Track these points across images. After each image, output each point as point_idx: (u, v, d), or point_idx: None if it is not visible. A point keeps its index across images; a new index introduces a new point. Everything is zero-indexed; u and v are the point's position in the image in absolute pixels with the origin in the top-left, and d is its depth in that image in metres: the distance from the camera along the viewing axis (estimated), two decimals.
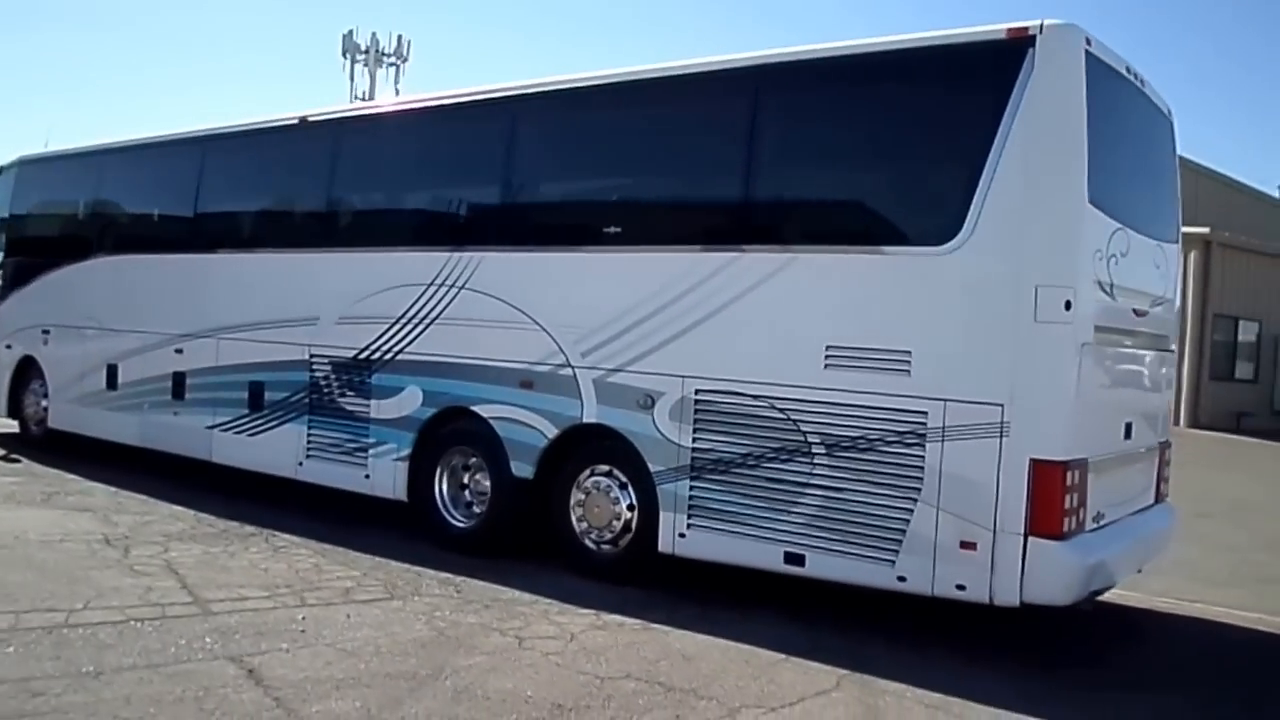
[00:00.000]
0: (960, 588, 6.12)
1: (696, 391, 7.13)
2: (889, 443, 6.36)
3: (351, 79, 40.57)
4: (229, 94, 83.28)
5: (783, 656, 6.07)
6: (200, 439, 10.57)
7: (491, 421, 8.23)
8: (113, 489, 10.37)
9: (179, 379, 10.86)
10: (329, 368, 9.42)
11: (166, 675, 5.23)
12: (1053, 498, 5.89)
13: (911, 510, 6.26)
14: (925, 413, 6.21)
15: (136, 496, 10.04)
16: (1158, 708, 5.74)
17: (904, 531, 6.28)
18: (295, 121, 9.95)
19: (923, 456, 6.23)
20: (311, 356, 9.54)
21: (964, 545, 6.08)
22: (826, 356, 6.59)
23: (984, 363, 6.06)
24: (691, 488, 7.15)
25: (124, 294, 11.61)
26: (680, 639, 6.35)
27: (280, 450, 9.78)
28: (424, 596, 7.05)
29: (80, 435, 12.17)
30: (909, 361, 6.29)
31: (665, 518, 7.26)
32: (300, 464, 9.62)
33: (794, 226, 7.05)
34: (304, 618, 6.37)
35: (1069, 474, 5.93)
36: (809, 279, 6.71)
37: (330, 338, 9.38)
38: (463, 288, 8.40)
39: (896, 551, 6.31)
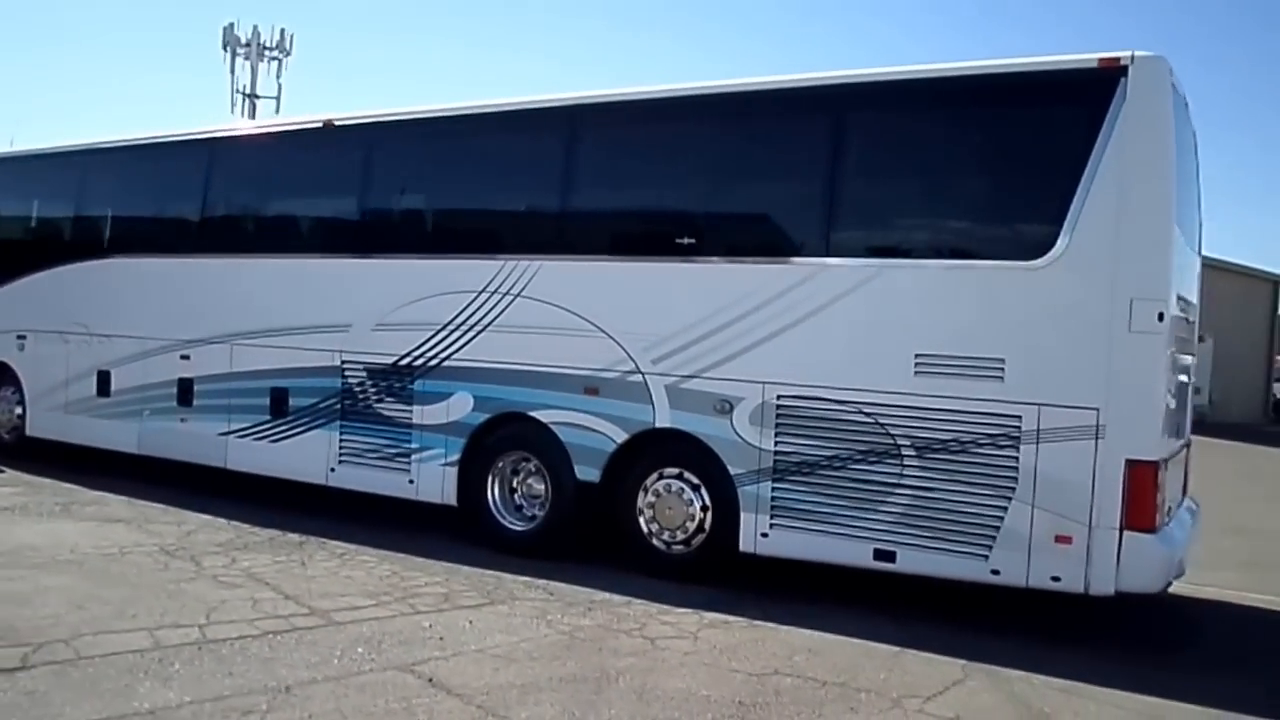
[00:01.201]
0: (1055, 579, 6.32)
1: (778, 397, 7.15)
2: (981, 445, 6.52)
3: (232, 73, 38.62)
4: (101, 88, 78.70)
5: (896, 649, 6.16)
6: (213, 446, 10.02)
7: (553, 427, 8.07)
8: (122, 498, 9.76)
9: (185, 385, 10.26)
10: (364, 374, 9.07)
11: (355, 688, 5.01)
12: (1147, 494, 6.16)
13: (1006, 507, 6.43)
14: (1019, 416, 6.40)
15: (154, 505, 9.46)
16: (1271, 688, 6.00)
17: (998, 527, 6.45)
18: (320, 125, 9.54)
19: (1016, 457, 6.41)
20: (344, 363, 9.16)
21: (1059, 539, 6.29)
22: (916, 363, 6.71)
23: (1079, 369, 6.28)
24: (774, 489, 7.17)
25: (117, 298, 10.89)
26: (791, 635, 6.37)
27: (308, 457, 9.36)
28: (521, 600, 6.87)
29: (60, 443, 11.39)
30: (1003, 368, 6.46)
31: (746, 518, 7.27)
32: (332, 470, 9.23)
33: (884, 239, 7.15)
34: (430, 625, 6.15)
35: (1159, 472, 6.20)
36: (898, 290, 6.82)
37: (365, 344, 9.02)
38: (519, 295, 8.20)
39: (990, 546, 6.48)
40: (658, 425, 7.64)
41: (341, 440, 9.19)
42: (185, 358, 10.27)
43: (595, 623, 6.40)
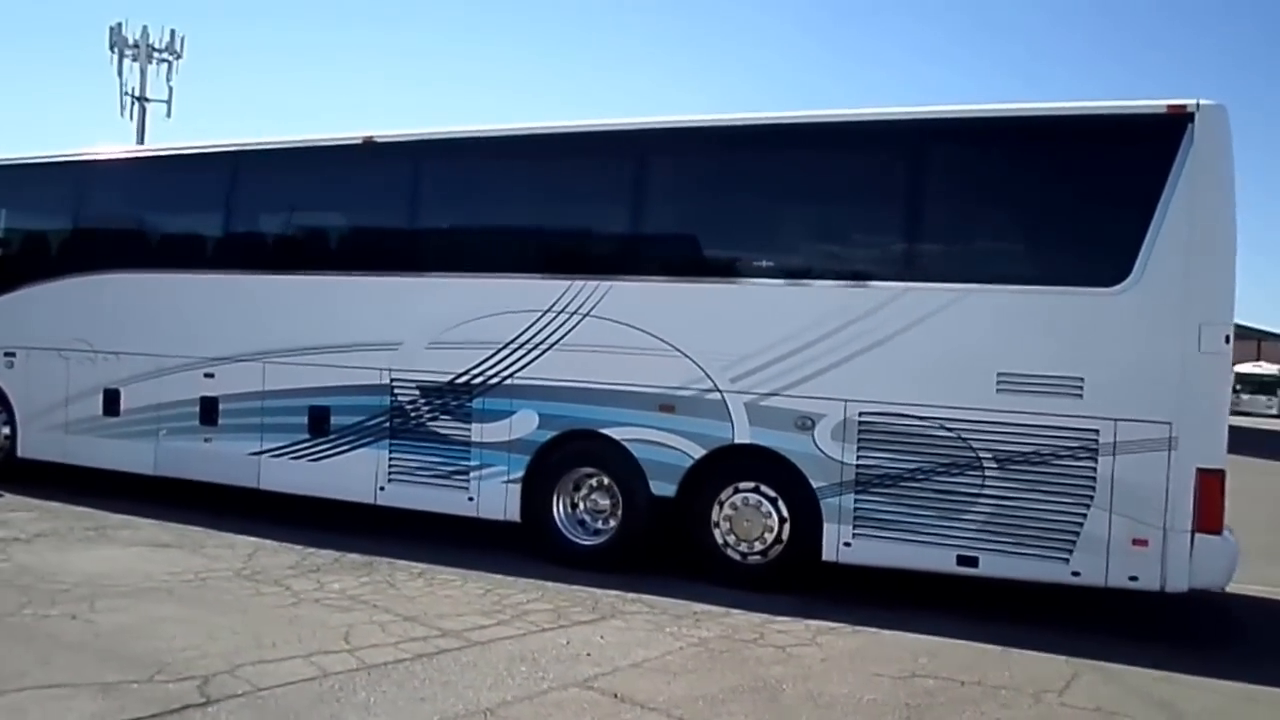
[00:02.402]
0: (1133, 579, 6.75)
1: (861, 414, 7.40)
2: (1061, 456, 6.91)
3: (120, 75, 36.61)
4: None
5: (999, 648, 6.45)
6: (243, 466, 9.67)
7: (626, 444, 8.12)
8: (148, 520, 9.34)
9: (209, 404, 9.87)
10: (416, 391, 8.93)
11: (552, 706, 5.04)
12: (1215, 500, 6.65)
13: (1085, 514, 6.84)
14: (1097, 430, 6.81)
15: (187, 527, 9.09)
16: None
17: (1078, 532, 6.85)
18: (360, 142, 9.32)
19: (1095, 468, 6.82)
20: (393, 380, 8.99)
21: (1136, 542, 6.72)
22: (999, 381, 7.05)
23: (1153, 387, 6.72)
24: (857, 500, 7.41)
25: (127, 314, 10.37)
26: (897, 638, 6.60)
27: (354, 475, 9.15)
28: (628, 615, 6.91)
29: (47, 465, 10.78)
30: (1082, 386, 6.87)
31: (829, 529, 7.49)
32: (381, 489, 9.05)
33: (969, 266, 7.45)
34: (568, 642, 6.15)
35: (1224, 480, 6.70)
36: (981, 313, 7.15)
37: (418, 362, 8.89)
38: (587, 315, 8.23)
39: (1070, 550, 6.87)
40: (737, 441, 7.79)
41: (391, 458, 9.01)
42: (209, 376, 9.88)
43: (714, 634, 6.50)
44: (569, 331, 8.30)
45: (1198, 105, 6.73)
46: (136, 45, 36.94)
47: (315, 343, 9.37)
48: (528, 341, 8.45)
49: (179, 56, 37.16)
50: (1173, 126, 6.74)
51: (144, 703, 4.81)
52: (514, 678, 5.42)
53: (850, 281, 7.57)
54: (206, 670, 5.28)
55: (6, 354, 11.08)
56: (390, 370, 9.01)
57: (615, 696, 5.20)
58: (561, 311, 8.31)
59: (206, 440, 9.91)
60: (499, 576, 7.78)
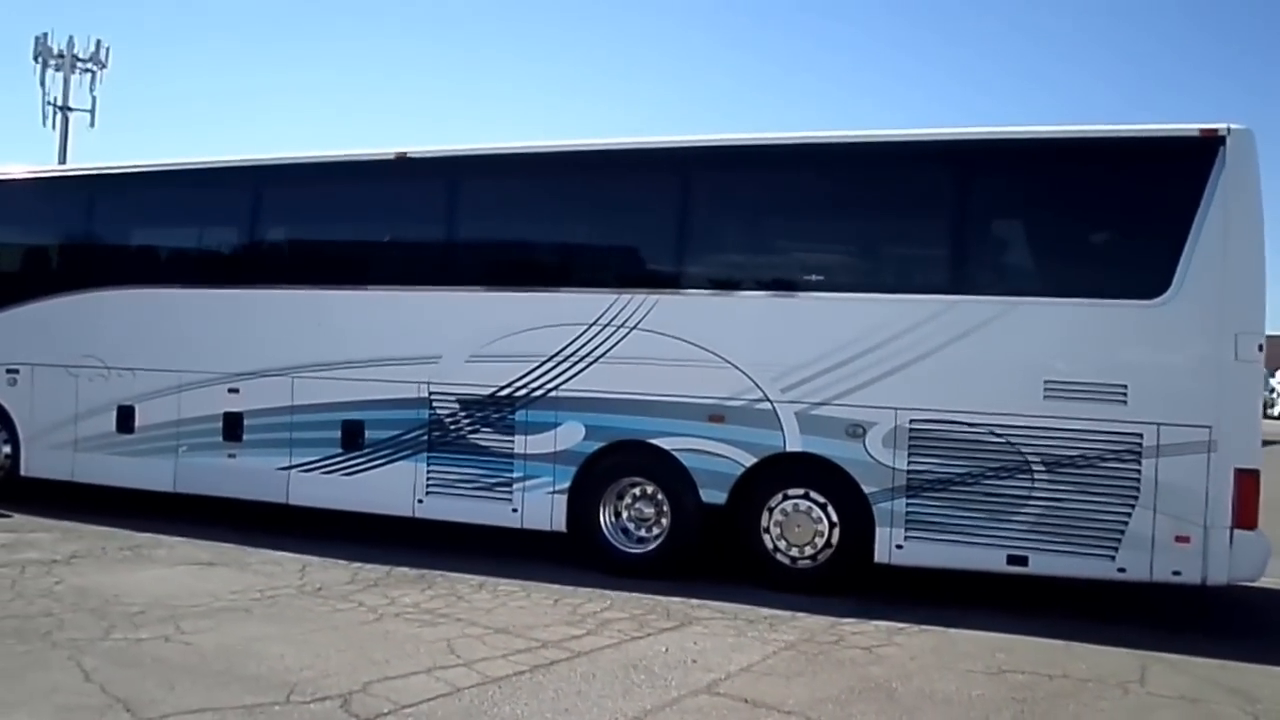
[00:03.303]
0: (1176, 573, 7.11)
1: (911, 421, 7.62)
2: (1107, 459, 7.24)
3: (43, 85, 35.27)
4: None
5: (1062, 643, 6.71)
6: (271, 481, 9.46)
7: (676, 454, 8.21)
8: (177, 538, 9.12)
9: (234, 420, 9.64)
10: (456, 405, 8.87)
11: (695, 712, 5.12)
12: (1252, 498, 7.04)
13: (1130, 513, 7.17)
14: (1140, 434, 7.15)
15: (220, 545, 8.90)
16: None
17: (1123, 531, 7.18)
18: (393, 158, 9.22)
19: (1139, 469, 7.16)
20: (432, 394, 8.92)
21: (1179, 539, 7.07)
22: (1046, 389, 7.35)
23: (1193, 393, 7.10)
24: (908, 504, 7.63)
25: (144, 330, 10.06)
26: (968, 636, 6.81)
27: (391, 489, 9.04)
28: (704, 621, 6.99)
29: (49, 484, 10.41)
30: (1125, 392, 7.20)
31: (881, 532, 7.69)
32: (420, 501, 8.97)
33: (1016, 279, 7.74)
34: (667, 650, 6.21)
35: (1259, 479, 7.11)
36: (1029, 324, 7.45)
37: (458, 375, 8.83)
38: (634, 328, 8.29)
39: (1117, 547, 7.19)
40: (788, 449, 7.94)
41: (430, 471, 8.94)
42: (233, 391, 9.64)
43: (794, 637, 6.62)
44: (616, 344, 8.35)
45: (1228, 129, 7.13)
46: (61, 55, 35.59)
47: (348, 357, 9.22)
48: (573, 354, 8.47)
49: (104, 66, 35.85)
50: (1205, 149, 7.13)
51: None
52: (640, 686, 5.47)
53: (901, 294, 7.79)
54: (338, 689, 5.20)
55: (9, 371, 10.63)
56: (429, 384, 8.93)
57: (747, 701, 5.29)
58: (608, 325, 8.36)
59: (231, 456, 9.67)
60: (557, 586, 7.80)
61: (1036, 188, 7.77)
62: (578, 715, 5.01)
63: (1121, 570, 7.22)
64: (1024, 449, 7.40)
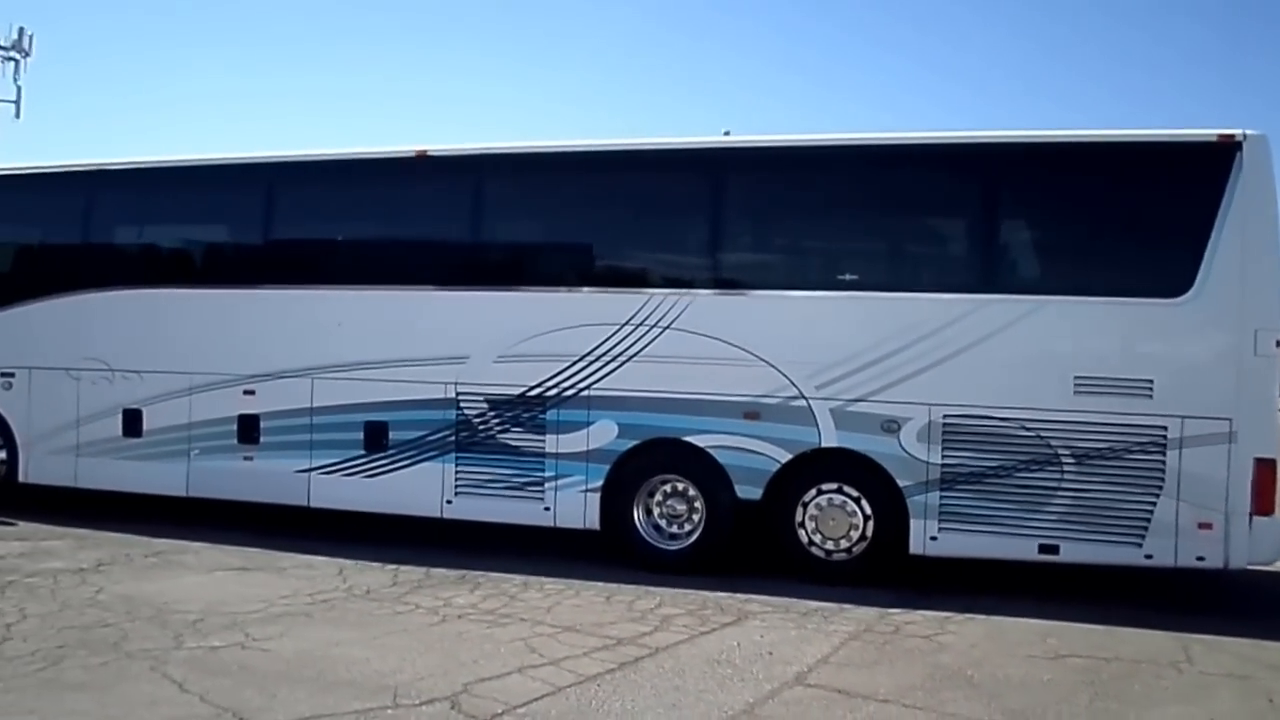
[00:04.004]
0: (1200, 558, 7.46)
1: (945, 416, 7.85)
2: (1133, 451, 7.55)
3: None
4: None
5: (1103, 627, 6.98)
6: (290, 484, 9.33)
7: (711, 451, 8.32)
8: (200, 544, 8.97)
9: (250, 422, 9.48)
10: (484, 404, 8.86)
11: (795, 703, 5.26)
12: (1269, 486, 7.40)
13: (1155, 502, 7.49)
14: (1165, 427, 7.48)
15: (247, 550, 8.77)
16: None
17: (1149, 519, 7.50)
18: (414, 155, 9.15)
19: (1164, 460, 7.49)
20: (459, 394, 8.89)
21: (1201, 526, 7.42)
22: (1076, 384, 7.64)
23: (1214, 386, 7.44)
24: (942, 497, 7.86)
25: (152, 332, 9.82)
26: (1015, 623, 7.04)
27: (417, 490, 8.99)
28: (760, 615, 7.11)
29: (55, 490, 10.14)
30: (1151, 387, 7.52)
31: (916, 525, 7.91)
32: (449, 502, 8.94)
33: (1045, 278, 8.00)
34: (739, 644, 6.33)
35: (1276, 467, 7.49)
36: (1058, 322, 7.73)
37: (486, 375, 8.82)
38: (668, 327, 8.38)
39: (1143, 535, 7.51)
40: (824, 445, 8.12)
41: (459, 472, 8.91)
42: (249, 393, 9.48)
43: (852, 629, 6.79)
44: (650, 343, 8.42)
45: (1244, 135, 7.49)
46: None
47: (370, 358, 9.14)
48: (606, 354, 8.52)
49: (27, 55, 34.47)
50: (1223, 154, 7.47)
51: None
52: (731, 680, 5.58)
53: (934, 293, 8.01)
54: (440, 691, 5.22)
55: (4, 374, 10.27)
56: (456, 384, 8.89)
57: (840, 692, 5.44)
58: (642, 324, 8.43)
59: (247, 459, 9.50)
60: (600, 584, 7.85)
61: (1064, 190, 8.04)
62: (685, 710, 5.11)
63: (1148, 557, 7.54)
64: (1054, 442, 7.68)
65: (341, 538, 9.11)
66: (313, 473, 9.29)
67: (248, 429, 9.49)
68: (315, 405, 9.28)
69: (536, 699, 5.16)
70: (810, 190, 8.51)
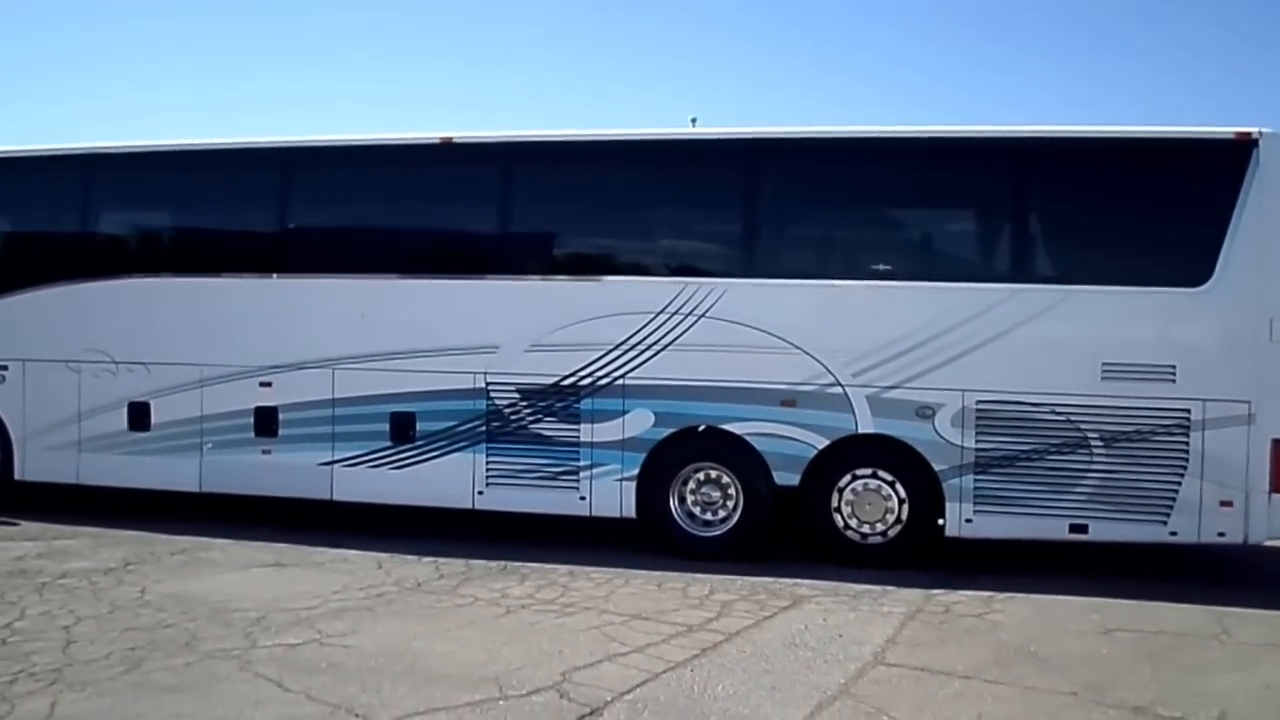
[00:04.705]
0: (1221, 535, 7.97)
1: (978, 402, 8.24)
2: (1158, 433, 8.03)
3: None
4: None
5: (1134, 602, 7.43)
6: (313, 477, 9.37)
7: (748, 438, 8.60)
8: (223, 540, 8.96)
9: (267, 414, 9.49)
10: (516, 394, 9.01)
11: (886, 682, 5.56)
12: None
13: (1180, 482, 7.99)
14: (1188, 410, 7.96)
15: (275, 545, 8.78)
16: None
17: (1174, 498, 7.99)
18: (438, 142, 9.21)
19: (1187, 442, 7.98)
20: (490, 384, 9.02)
21: (1223, 504, 7.93)
22: (1103, 370, 8.08)
23: (1233, 371, 7.93)
24: (976, 481, 8.26)
25: (161, 322, 9.73)
26: (1056, 601, 7.42)
27: (447, 481, 9.12)
28: (812, 599, 7.41)
29: (55, 487, 10.04)
30: (1174, 372, 8.00)
31: (951, 508, 8.30)
32: (480, 492, 9.08)
33: (1073, 268, 8.38)
34: (805, 627, 6.66)
35: None
36: (1086, 310, 8.15)
37: (517, 365, 8.97)
38: (703, 315, 8.61)
39: (1168, 513, 8.01)
40: (860, 431, 8.45)
41: (489, 462, 9.05)
42: (266, 385, 9.47)
43: (907, 610, 7.14)
44: (685, 332, 8.65)
45: (1260, 133, 7.97)
46: None
47: (396, 348, 9.20)
48: (641, 342, 8.72)
49: None
50: (1240, 151, 7.95)
51: (539, 718, 4.95)
52: (816, 661, 5.90)
53: (967, 283, 8.37)
54: (542, 682, 5.43)
55: None
56: (486, 374, 9.02)
57: (924, 670, 5.78)
58: (677, 313, 8.65)
59: (265, 452, 9.51)
60: (644, 572, 8.08)
61: (1091, 184, 8.46)
62: (785, 691, 5.39)
63: (1173, 534, 8.04)
64: (1083, 426, 8.12)
65: (362, 531, 9.18)
66: (336, 465, 9.34)
67: (265, 421, 9.48)
68: (338, 396, 9.32)
69: (639, 685, 5.40)
70: (846, 181, 8.80)
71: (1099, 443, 8.11)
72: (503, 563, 8.29)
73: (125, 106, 38.67)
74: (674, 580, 7.84)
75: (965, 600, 7.43)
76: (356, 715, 4.96)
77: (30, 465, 10.03)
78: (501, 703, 5.12)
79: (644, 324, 8.71)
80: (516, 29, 38.17)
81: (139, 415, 9.76)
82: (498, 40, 38.25)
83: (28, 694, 5.18)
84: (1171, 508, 8.00)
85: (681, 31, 36.95)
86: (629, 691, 5.30)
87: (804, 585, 7.76)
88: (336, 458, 9.34)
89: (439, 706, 5.06)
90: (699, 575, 7.99)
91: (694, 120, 15.98)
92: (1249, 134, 7.97)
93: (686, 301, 8.63)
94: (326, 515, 9.55)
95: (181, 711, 5.02)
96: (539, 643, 6.16)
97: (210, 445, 9.62)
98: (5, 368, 10.08)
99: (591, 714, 5.00)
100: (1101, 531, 8.14)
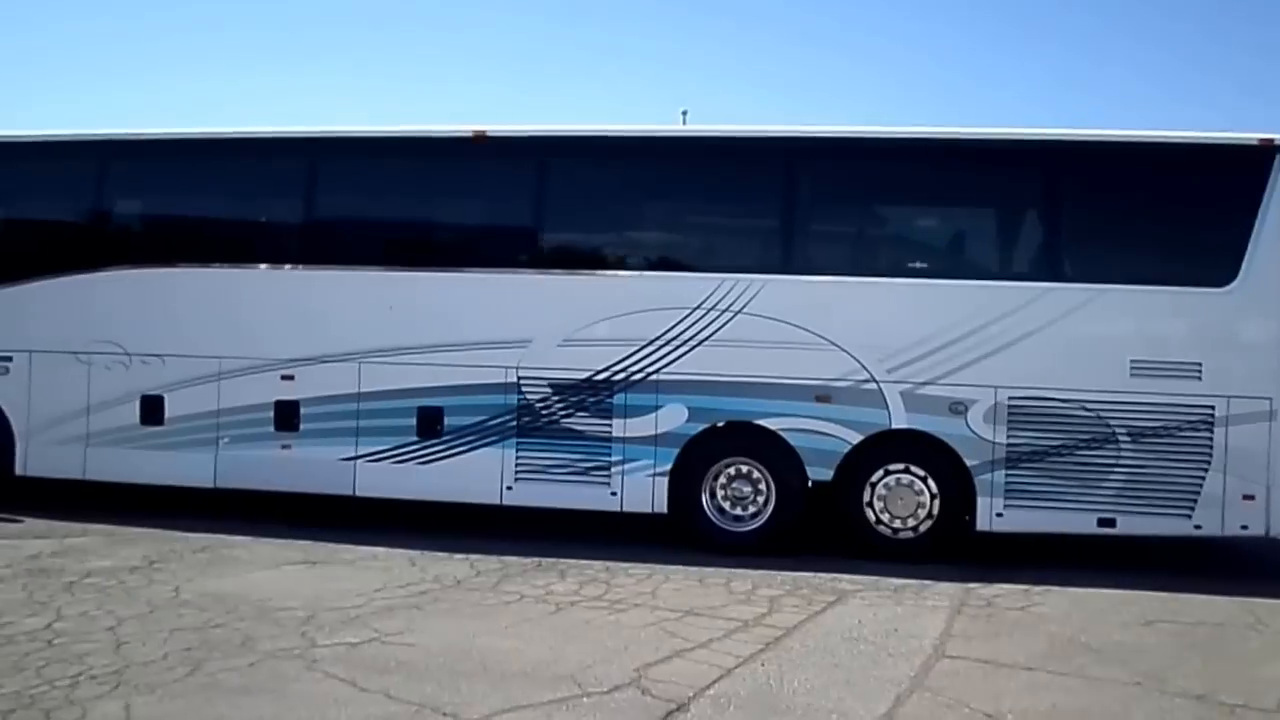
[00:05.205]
0: (1244, 527, 8.32)
1: (1010, 398, 8.47)
2: (1184, 429, 8.34)
3: None
4: None
5: (1168, 594, 7.69)
6: (335, 472, 9.36)
7: (783, 433, 8.76)
8: (242, 538, 8.86)
9: (288, 409, 9.44)
10: (548, 389, 9.08)
11: (958, 676, 5.72)
12: None
13: (1204, 476, 8.30)
14: (1213, 406, 8.28)
15: (298, 543, 8.72)
16: None
17: (1198, 492, 8.31)
18: (471, 136, 9.20)
19: (1211, 437, 8.30)
20: (520, 379, 9.06)
21: (1245, 498, 8.27)
22: (1132, 367, 8.36)
23: (1256, 368, 8.27)
24: (1008, 475, 8.51)
25: (177, 313, 9.64)
26: (1090, 594, 7.65)
27: (475, 476, 9.16)
28: (855, 594, 7.57)
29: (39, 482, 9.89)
30: (1200, 369, 8.31)
31: (982, 502, 8.54)
32: (509, 488, 9.13)
33: (1103, 269, 8.61)
34: (860, 621, 6.82)
35: None
36: (1115, 309, 8.42)
37: (549, 359, 9.04)
38: (740, 311, 8.74)
39: (1193, 507, 8.32)
40: (894, 427, 8.65)
41: (519, 457, 9.11)
42: (288, 378, 9.42)
43: (951, 603, 7.35)
44: (721, 327, 8.77)
45: None
46: None
47: (423, 342, 9.22)
48: (676, 337, 8.84)
49: None
50: (1264, 156, 8.28)
51: (628, 715, 5.05)
52: (881, 655, 6.06)
53: (1000, 281, 8.60)
54: (619, 679, 5.52)
55: (1, 359, 9.86)
56: (517, 368, 9.06)
57: (988, 662, 5.99)
58: (712, 309, 8.77)
59: (285, 447, 9.46)
60: (680, 568, 8.17)
61: (1121, 186, 8.72)
62: (859, 685, 5.54)
63: (1198, 527, 8.36)
64: (1112, 421, 8.40)
65: (382, 528, 9.18)
66: (359, 460, 9.33)
67: (286, 416, 9.43)
68: (363, 390, 9.30)
69: (715, 681, 5.51)
70: (883, 180, 8.99)
71: (1127, 438, 8.40)
72: (535, 559, 8.34)
73: (149, 99, 37.80)
74: (714, 576, 7.96)
75: (1004, 593, 7.66)
76: (444, 714, 5.01)
77: (33, 460, 9.87)
78: (585, 700, 5.21)
79: (679, 319, 8.82)
80: (503, 22, 38.00)
81: (152, 408, 9.65)
82: (491, 35, 38.03)
83: (95, 697, 5.14)
84: (1196, 501, 8.32)
85: (670, 21, 37.05)
86: (708, 687, 5.41)
87: (843, 580, 7.94)
88: (360, 453, 9.33)
89: (524, 704, 5.12)
90: (737, 570, 8.12)
91: (684, 113, 16.13)
92: (1272, 140, 8.30)
93: (723, 297, 8.76)
94: (339, 511, 9.55)
95: (262, 714, 5.01)
96: (600, 639, 6.25)
97: (227, 439, 9.55)
98: (9, 359, 9.90)
99: (678, 710, 5.10)
100: (1129, 525, 8.43)
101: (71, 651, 5.81)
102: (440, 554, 8.46)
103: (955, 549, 8.65)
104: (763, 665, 5.83)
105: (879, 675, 5.73)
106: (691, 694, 5.33)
